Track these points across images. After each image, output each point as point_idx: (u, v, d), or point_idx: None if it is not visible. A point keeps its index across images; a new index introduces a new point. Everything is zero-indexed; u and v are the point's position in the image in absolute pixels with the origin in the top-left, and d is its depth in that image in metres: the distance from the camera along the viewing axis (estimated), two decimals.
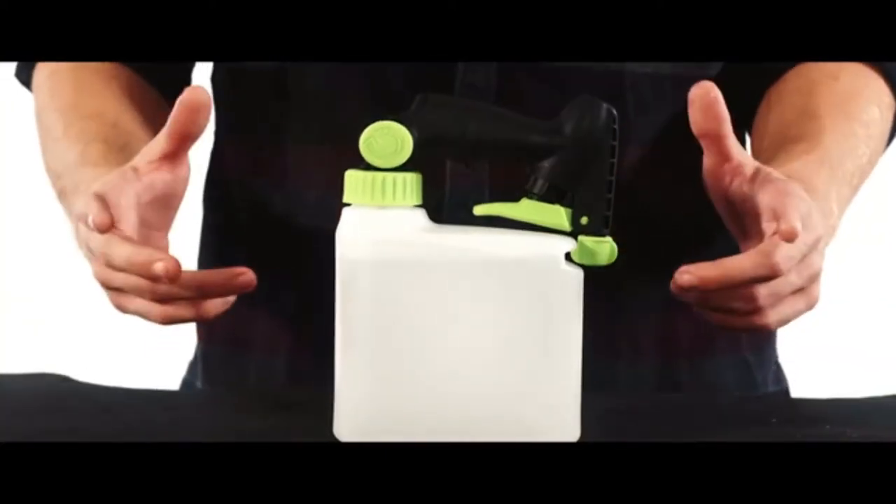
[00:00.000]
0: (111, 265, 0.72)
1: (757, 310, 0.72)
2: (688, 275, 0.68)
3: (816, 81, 0.85)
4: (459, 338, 0.67)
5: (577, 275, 0.68)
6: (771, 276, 0.69)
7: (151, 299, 0.73)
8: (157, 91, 0.91)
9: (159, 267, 0.69)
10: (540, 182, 0.69)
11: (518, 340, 0.68)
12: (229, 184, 0.92)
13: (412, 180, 0.68)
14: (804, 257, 0.71)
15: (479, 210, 0.70)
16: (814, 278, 0.74)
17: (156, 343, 1.40)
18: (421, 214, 0.68)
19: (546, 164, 0.69)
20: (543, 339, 0.68)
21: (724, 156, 0.72)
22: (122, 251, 0.70)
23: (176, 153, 0.74)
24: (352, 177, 0.68)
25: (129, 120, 0.86)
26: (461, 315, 0.67)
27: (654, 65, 0.84)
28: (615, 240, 0.69)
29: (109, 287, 0.75)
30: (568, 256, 0.69)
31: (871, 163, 0.85)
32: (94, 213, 0.70)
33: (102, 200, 0.71)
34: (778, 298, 0.72)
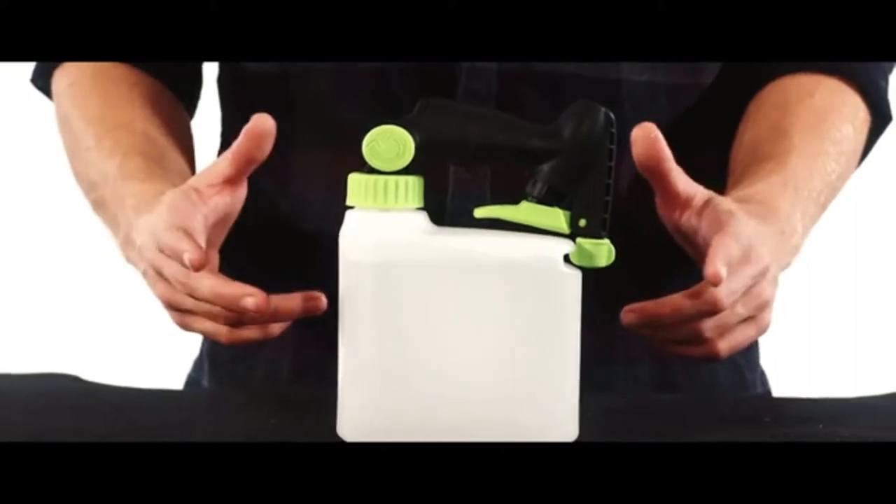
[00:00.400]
0: (193, 295, 0.74)
1: (705, 341, 0.74)
2: (631, 314, 0.72)
3: (792, 98, 0.88)
4: (460, 338, 0.69)
5: (576, 276, 0.70)
6: (713, 312, 0.72)
7: (223, 323, 0.76)
8: (172, 94, 0.94)
9: (249, 302, 0.72)
10: (539, 185, 0.71)
11: (517, 341, 0.70)
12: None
13: (414, 183, 0.69)
14: (750, 288, 0.74)
15: (479, 212, 0.71)
16: (763, 307, 0.76)
17: (161, 341, 1.43)
18: (422, 217, 0.70)
19: (545, 167, 0.71)
20: (542, 340, 0.69)
21: (670, 191, 0.75)
22: (208, 283, 0.73)
23: (238, 177, 0.76)
24: (355, 180, 0.69)
25: (157, 130, 0.88)
26: (462, 316, 0.69)
27: (649, 73, 0.87)
28: (612, 242, 0.71)
29: (177, 309, 0.77)
30: (566, 258, 0.70)
31: (842, 179, 0.88)
32: (189, 252, 0.72)
33: (190, 236, 0.73)
34: (726, 329, 0.75)
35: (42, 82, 0.98)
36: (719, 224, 0.74)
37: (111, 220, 0.86)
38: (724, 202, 0.76)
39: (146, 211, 0.78)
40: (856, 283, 2.14)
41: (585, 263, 0.71)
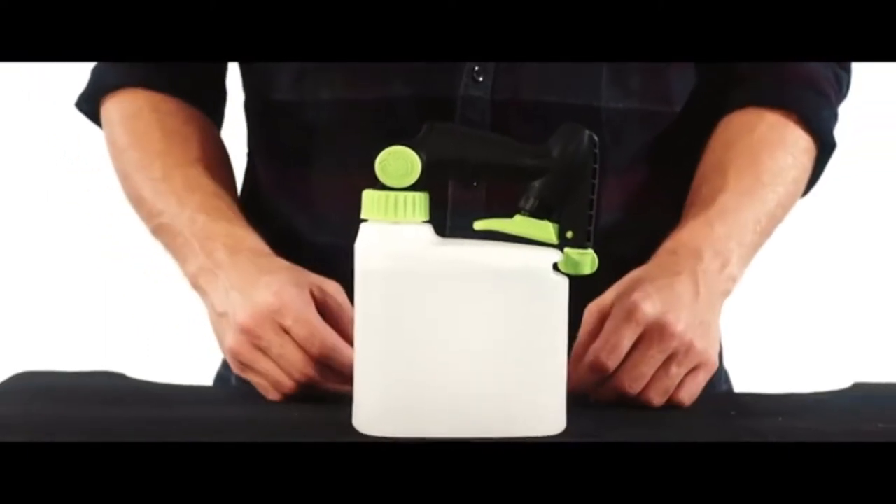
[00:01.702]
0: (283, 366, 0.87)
1: (659, 403, 0.87)
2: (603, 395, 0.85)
3: (734, 135, 0.97)
4: (462, 338, 0.78)
5: (563, 283, 0.79)
6: (625, 401, 0.86)
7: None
8: (210, 120, 1.05)
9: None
10: (531, 200, 0.80)
11: (512, 341, 0.78)
12: (260, 201, 1.04)
13: (421, 199, 0.78)
14: (672, 357, 0.86)
15: (478, 225, 0.80)
16: (701, 356, 0.87)
17: (197, 344, 1.56)
18: (428, 229, 0.79)
19: (536, 184, 0.80)
20: (534, 340, 0.78)
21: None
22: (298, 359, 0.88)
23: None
24: (368, 195, 0.78)
25: (217, 168, 1.00)
26: (463, 318, 0.78)
27: (625, 101, 0.96)
28: (595, 252, 0.80)
29: (248, 368, 0.89)
30: (555, 266, 0.79)
31: (783, 206, 0.96)
32: (303, 338, 0.86)
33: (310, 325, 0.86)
34: (671, 390, 0.87)
35: (88, 107, 1.09)
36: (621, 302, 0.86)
37: (181, 247, 0.96)
38: (626, 298, 0.87)
39: (247, 261, 0.91)
40: (811, 290, 2.30)
41: (572, 271, 0.80)
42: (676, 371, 0.85)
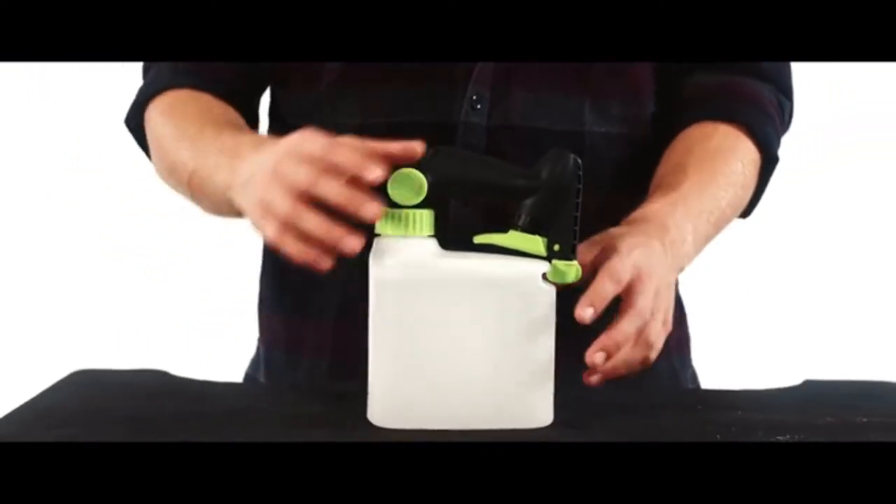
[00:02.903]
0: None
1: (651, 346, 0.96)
2: (599, 353, 0.93)
3: (693, 142, 1.11)
4: (462, 339, 0.91)
5: (551, 291, 0.92)
6: (644, 324, 0.94)
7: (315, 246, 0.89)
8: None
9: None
10: (523, 217, 0.92)
11: (506, 342, 0.91)
12: None
13: (427, 215, 0.91)
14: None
15: (478, 239, 0.93)
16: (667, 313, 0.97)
17: (230, 346, 1.66)
18: (433, 242, 0.92)
19: (527, 202, 0.92)
20: (525, 341, 0.91)
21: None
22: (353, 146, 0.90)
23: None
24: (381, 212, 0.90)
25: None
26: (463, 321, 0.90)
27: (607, 126, 1.11)
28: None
29: (286, 225, 0.89)
30: (544, 276, 0.91)
31: (732, 206, 1.09)
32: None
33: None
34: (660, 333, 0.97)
35: (135, 120, 1.17)
36: (604, 257, 0.94)
37: (214, 170, 1.01)
38: (612, 236, 0.96)
39: (270, 144, 0.95)
40: (767, 295, 2.49)
41: (559, 280, 0.92)
42: (659, 318, 0.96)
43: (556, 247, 0.92)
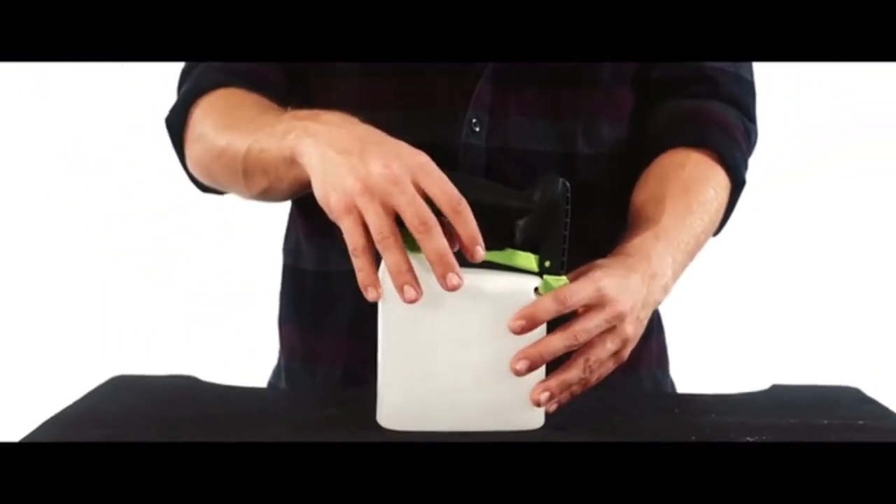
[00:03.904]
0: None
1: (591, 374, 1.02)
2: (521, 362, 0.99)
3: (668, 169, 1.18)
4: (463, 348, 1.00)
5: None
6: (574, 344, 1.00)
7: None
8: None
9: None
10: (517, 236, 1.01)
11: (502, 350, 0.99)
12: (298, 239, 1.29)
13: None
14: (613, 328, 1.02)
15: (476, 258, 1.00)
16: (625, 344, 1.03)
17: (253, 354, 1.69)
18: None
19: (521, 222, 1.01)
20: (518, 347, 0.99)
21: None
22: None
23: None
24: None
25: None
26: (463, 333, 0.99)
27: (597, 148, 1.21)
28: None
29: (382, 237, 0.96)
30: (536, 290, 1.00)
31: (706, 232, 1.16)
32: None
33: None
34: (601, 358, 1.03)
35: (178, 118, 1.20)
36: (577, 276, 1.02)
37: (269, 135, 1.05)
38: (594, 266, 1.04)
39: (349, 123, 1.01)
40: (742, 303, 2.59)
41: None
42: (609, 347, 1.02)
43: (547, 263, 1.01)
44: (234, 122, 1.13)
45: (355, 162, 0.97)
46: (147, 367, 2.70)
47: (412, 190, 0.96)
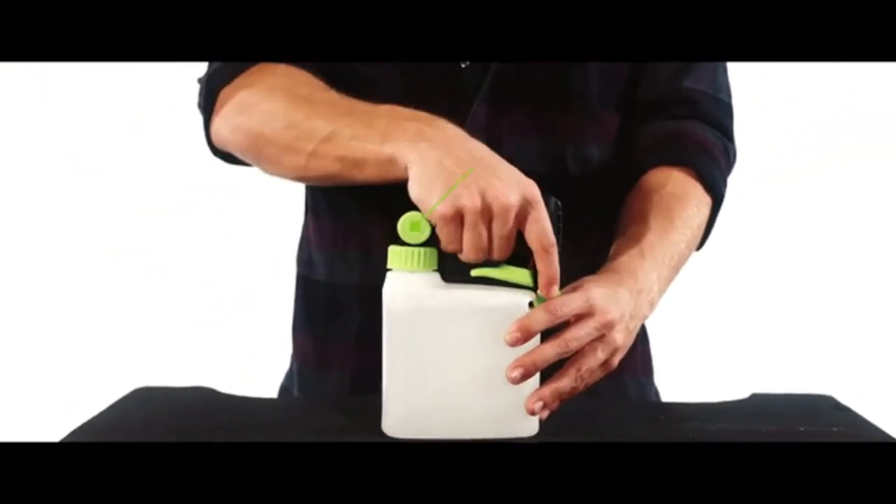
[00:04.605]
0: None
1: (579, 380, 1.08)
2: (516, 370, 1.04)
3: (651, 189, 1.26)
4: (462, 360, 1.05)
5: None
6: (566, 351, 1.06)
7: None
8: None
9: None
10: (512, 252, 1.06)
11: (498, 362, 1.05)
12: (311, 251, 1.37)
13: (431, 253, 1.06)
14: (602, 337, 1.07)
15: (475, 272, 1.06)
16: (614, 353, 1.09)
17: (253, 354, 1.68)
18: (437, 276, 1.06)
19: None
20: (514, 357, 1.04)
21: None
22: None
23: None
24: (392, 250, 1.07)
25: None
26: (462, 345, 1.05)
27: (586, 167, 1.28)
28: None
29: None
30: (530, 304, 1.05)
31: (689, 246, 1.23)
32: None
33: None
34: (592, 368, 1.08)
35: (210, 102, 1.24)
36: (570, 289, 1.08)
37: (385, 129, 1.10)
38: (584, 280, 1.10)
39: (460, 138, 1.08)
40: (728, 311, 2.64)
41: None
42: (599, 356, 1.08)
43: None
44: (308, 99, 1.17)
45: (474, 178, 1.04)
46: (146, 367, 2.72)
47: (512, 224, 1.04)
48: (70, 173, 2.63)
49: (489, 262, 1.05)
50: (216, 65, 1.25)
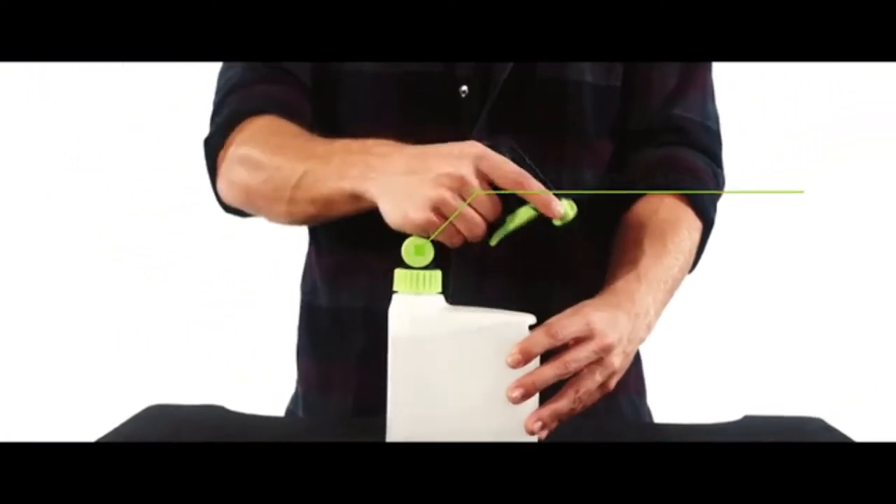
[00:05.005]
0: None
1: (577, 401, 1.12)
2: (517, 390, 1.08)
3: (644, 214, 1.30)
4: (465, 376, 1.09)
5: None
6: (565, 373, 1.09)
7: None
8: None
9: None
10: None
11: (499, 379, 1.09)
12: (315, 280, 1.42)
13: (435, 275, 1.10)
14: (600, 360, 1.11)
15: (493, 242, 1.11)
16: (611, 376, 1.12)
17: (253, 354, 1.68)
18: (441, 298, 1.12)
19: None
20: (514, 376, 1.09)
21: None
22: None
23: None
24: (398, 273, 1.11)
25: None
26: (465, 364, 1.09)
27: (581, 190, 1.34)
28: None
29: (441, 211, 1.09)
30: (530, 327, 1.09)
31: (682, 271, 1.28)
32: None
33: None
34: (590, 389, 1.12)
35: (217, 142, 1.31)
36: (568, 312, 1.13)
37: (336, 168, 1.16)
38: (583, 304, 1.14)
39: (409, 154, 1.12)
40: (712, 339, 2.66)
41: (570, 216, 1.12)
42: (597, 378, 1.12)
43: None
44: (280, 148, 1.24)
45: (422, 176, 1.10)
46: (146, 368, 2.71)
47: (481, 184, 1.08)
48: (70, 173, 2.65)
49: (495, 227, 1.10)
50: (212, 126, 1.33)
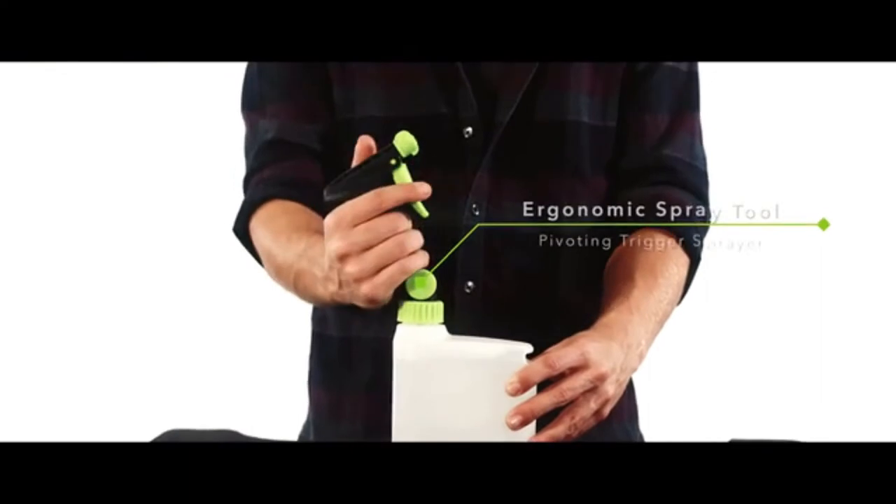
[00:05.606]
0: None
1: (572, 427, 1.18)
2: (515, 417, 1.15)
3: (636, 249, 1.39)
4: (465, 406, 1.16)
5: None
6: (561, 400, 1.16)
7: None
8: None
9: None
10: None
11: (498, 405, 1.15)
12: (325, 310, 1.50)
13: (438, 307, 1.18)
14: (595, 388, 1.18)
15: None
16: (604, 403, 1.20)
17: (253, 354, 1.67)
18: (443, 328, 1.19)
19: None
20: (512, 403, 1.15)
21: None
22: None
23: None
24: (402, 305, 1.19)
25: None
26: (466, 393, 1.16)
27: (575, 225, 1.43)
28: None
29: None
30: (528, 356, 1.16)
31: (671, 304, 1.38)
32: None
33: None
34: (585, 417, 1.19)
35: (242, 230, 1.43)
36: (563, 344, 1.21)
37: (316, 274, 1.25)
38: (577, 335, 1.21)
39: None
40: (704, 360, 2.67)
41: None
42: (591, 406, 1.19)
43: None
44: (279, 236, 1.34)
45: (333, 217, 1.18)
46: (146, 368, 2.71)
47: (378, 204, 1.14)
48: (70, 173, 2.67)
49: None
50: (240, 207, 1.44)
